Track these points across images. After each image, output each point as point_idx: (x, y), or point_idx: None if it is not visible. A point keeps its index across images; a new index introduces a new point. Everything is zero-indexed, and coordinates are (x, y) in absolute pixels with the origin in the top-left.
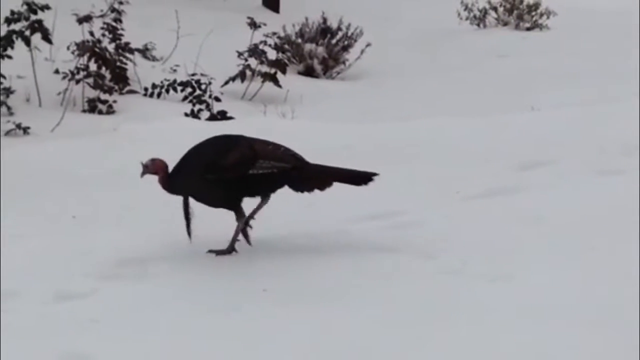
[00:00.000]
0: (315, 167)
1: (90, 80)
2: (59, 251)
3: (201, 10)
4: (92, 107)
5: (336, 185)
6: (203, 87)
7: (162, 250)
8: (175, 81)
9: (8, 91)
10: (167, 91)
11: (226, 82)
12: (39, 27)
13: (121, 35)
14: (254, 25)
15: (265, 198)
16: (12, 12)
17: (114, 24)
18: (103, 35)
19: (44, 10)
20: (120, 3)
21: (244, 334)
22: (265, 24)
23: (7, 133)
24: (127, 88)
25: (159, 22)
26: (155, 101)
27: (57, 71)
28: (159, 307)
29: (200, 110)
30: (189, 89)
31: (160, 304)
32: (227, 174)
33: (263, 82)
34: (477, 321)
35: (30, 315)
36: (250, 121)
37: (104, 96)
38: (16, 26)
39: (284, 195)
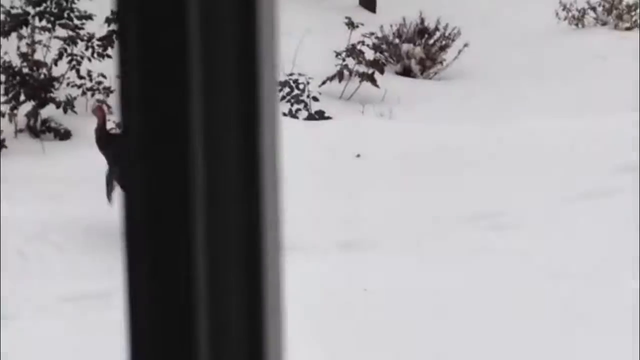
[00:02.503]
0: None
1: None
2: None
3: (298, 10)
4: None
5: (437, 185)
6: (301, 86)
7: None
8: None
9: (108, 90)
10: None
11: (324, 82)
12: None
13: None
14: (351, 25)
15: None
16: (113, 12)
17: None
18: None
19: None
20: None
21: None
22: (362, 24)
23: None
24: None
25: None
26: None
27: None
28: None
29: (298, 109)
30: (287, 89)
31: None
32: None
33: (361, 82)
34: (579, 325)
35: None
36: (348, 121)
37: None
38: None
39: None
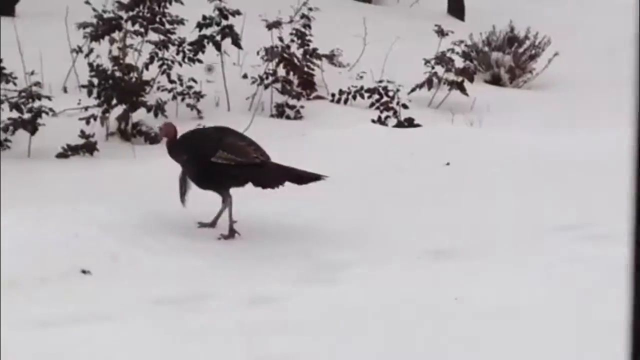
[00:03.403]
0: (273, 166)
1: (279, 85)
2: (254, 255)
3: (387, 17)
4: (280, 112)
5: (527, 194)
6: (390, 94)
7: (357, 255)
8: (362, 88)
9: (198, 95)
10: (354, 97)
11: (413, 90)
12: (229, 32)
13: (309, 41)
14: (441, 33)
15: (225, 200)
16: (204, 17)
17: (302, 29)
18: (292, 41)
19: (234, 16)
20: (310, 9)
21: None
22: (452, 32)
23: None
24: (315, 94)
25: (345, 28)
26: (342, 107)
27: (245, 76)
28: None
29: (387, 117)
30: (376, 96)
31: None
32: (192, 158)
33: (450, 90)
34: None
35: (227, 318)
36: (438, 129)
37: (292, 101)
38: (207, 31)
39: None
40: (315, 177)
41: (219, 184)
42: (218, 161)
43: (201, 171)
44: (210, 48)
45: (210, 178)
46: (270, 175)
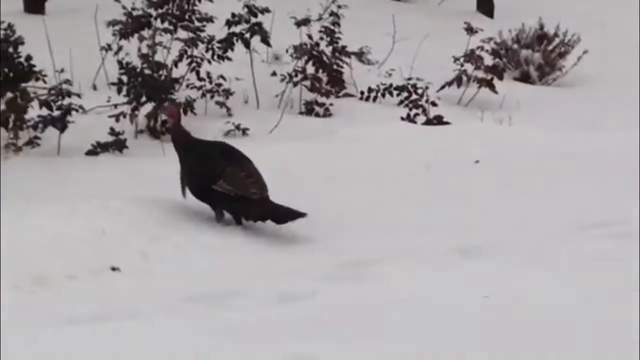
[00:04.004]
0: (264, 203)
1: (308, 83)
2: (281, 253)
3: (416, 15)
4: (309, 109)
5: (556, 192)
6: (419, 91)
7: (383, 252)
8: (391, 85)
9: (228, 92)
10: (383, 95)
11: (442, 87)
12: (258, 29)
13: (338, 38)
14: (470, 30)
15: (217, 215)
16: (233, 15)
17: (331, 27)
18: (321, 38)
19: (263, 14)
20: (339, 7)
21: None
22: (481, 30)
23: (227, 134)
24: (344, 91)
25: (374, 26)
26: (371, 105)
27: (274, 73)
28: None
29: (416, 114)
30: (405, 93)
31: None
32: (195, 176)
33: (479, 87)
34: None
35: (254, 316)
36: (467, 127)
37: (321, 99)
38: (236, 29)
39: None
40: (295, 216)
41: (213, 206)
42: (218, 189)
43: (200, 190)
44: (238, 46)
45: (207, 198)
46: (257, 212)
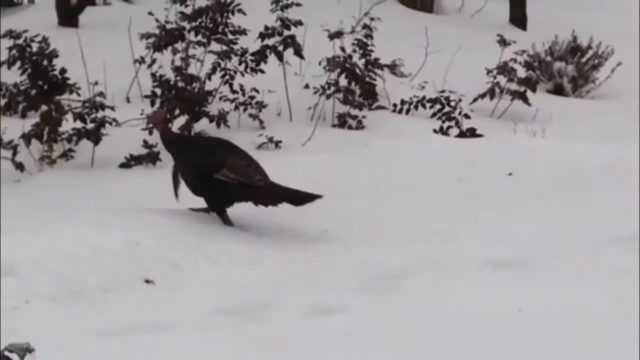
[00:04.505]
0: (272, 187)
1: (340, 95)
2: (314, 265)
3: (448, 27)
4: (342, 122)
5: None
6: (452, 103)
7: (416, 265)
8: (424, 97)
9: (261, 105)
10: (416, 107)
11: (475, 100)
12: (291, 42)
13: (371, 51)
14: (503, 42)
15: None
16: (266, 28)
17: (364, 39)
18: (354, 51)
19: (296, 26)
20: (372, 19)
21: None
22: (514, 42)
23: (260, 146)
24: (376, 104)
25: (406, 38)
26: (404, 117)
27: (307, 86)
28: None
29: (449, 127)
30: (438, 106)
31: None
32: (196, 169)
33: (512, 100)
34: None
35: (287, 329)
36: (500, 139)
37: (353, 111)
38: (269, 41)
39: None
40: (311, 197)
41: (218, 198)
42: (221, 178)
43: (201, 183)
44: (271, 58)
45: (210, 189)
46: (270, 196)
